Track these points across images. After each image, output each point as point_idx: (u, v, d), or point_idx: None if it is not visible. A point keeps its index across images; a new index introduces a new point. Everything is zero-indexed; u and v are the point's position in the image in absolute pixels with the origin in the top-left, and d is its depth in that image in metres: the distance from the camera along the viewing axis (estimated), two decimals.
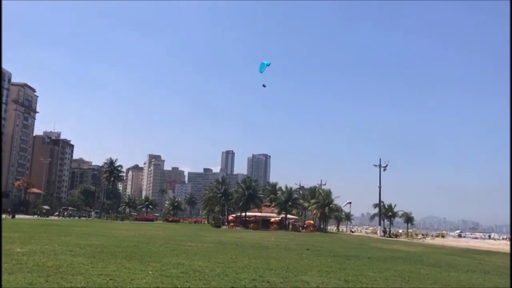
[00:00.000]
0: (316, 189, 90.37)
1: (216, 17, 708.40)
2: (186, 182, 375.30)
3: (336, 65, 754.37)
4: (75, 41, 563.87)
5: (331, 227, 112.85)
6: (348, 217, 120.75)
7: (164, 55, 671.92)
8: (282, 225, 75.32)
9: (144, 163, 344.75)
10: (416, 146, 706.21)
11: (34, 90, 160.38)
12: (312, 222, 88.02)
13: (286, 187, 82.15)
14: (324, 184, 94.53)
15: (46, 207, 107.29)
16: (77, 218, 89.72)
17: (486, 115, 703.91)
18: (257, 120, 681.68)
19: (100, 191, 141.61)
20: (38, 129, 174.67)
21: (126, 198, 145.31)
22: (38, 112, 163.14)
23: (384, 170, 75.53)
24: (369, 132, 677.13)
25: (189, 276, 11.14)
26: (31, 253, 14.55)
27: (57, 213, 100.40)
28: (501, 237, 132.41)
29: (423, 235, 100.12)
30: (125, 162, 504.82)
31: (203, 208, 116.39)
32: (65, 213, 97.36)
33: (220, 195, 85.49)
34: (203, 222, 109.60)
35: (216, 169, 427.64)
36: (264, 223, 74.59)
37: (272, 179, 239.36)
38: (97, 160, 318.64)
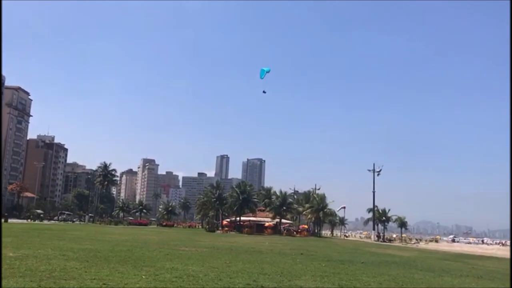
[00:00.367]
0: (311, 194, 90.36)
1: (210, 19, 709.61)
2: (180, 186, 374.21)
3: (331, 69, 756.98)
4: (69, 44, 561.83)
5: (325, 232, 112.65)
6: (342, 221, 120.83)
7: (158, 58, 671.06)
8: (276, 229, 75.18)
9: (138, 167, 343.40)
10: (410, 151, 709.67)
11: (28, 94, 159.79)
12: (306, 226, 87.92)
13: (281, 192, 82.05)
14: (319, 189, 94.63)
15: (39, 211, 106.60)
16: (70, 222, 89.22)
17: (480, 120, 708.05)
18: (252, 124, 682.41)
19: (94, 195, 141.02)
20: (32, 133, 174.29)
21: (120, 203, 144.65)
22: (32, 116, 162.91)
23: (378, 175, 75.91)
24: (363, 137, 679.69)
25: (183, 281, 11.12)
26: (23, 257, 14.46)
27: (56, 217, 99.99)
28: (494, 242, 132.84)
29: (417, 239, 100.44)
30: (119, 166, 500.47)
31: (197, 213, 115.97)
32: (60, 217, 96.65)
33: (215, 199, 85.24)
34: (197, 226, 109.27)
35: (211, 173, 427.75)
36: (259, 228, 74.42)
37: (266, 184, 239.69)
38: (91, 164, 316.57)
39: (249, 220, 77.49)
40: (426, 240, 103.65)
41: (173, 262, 15.56)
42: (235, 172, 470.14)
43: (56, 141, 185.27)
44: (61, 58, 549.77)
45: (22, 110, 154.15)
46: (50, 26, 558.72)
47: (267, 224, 76.98)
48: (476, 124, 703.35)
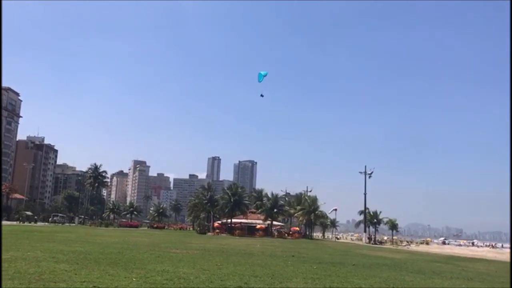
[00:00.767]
0: (302, 196, 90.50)
1: (203, 20, 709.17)
2: (172, 188, 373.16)
3: (322, 72, 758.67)
4: (60, 44, 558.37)
5: (317, 234, 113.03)
6: (333, 223, 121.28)
7: (149, 59, 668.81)
8: (268, 232, 75.24)
9: (129, 169, 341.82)
10: (401, 153, 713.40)
11: (18, 94, 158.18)
12: (297, 228, 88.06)
13: (272, 194, 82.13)
14: (310, 191, 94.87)
15: (28, 213, 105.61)
16: (60, 224, 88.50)
17: (470, 122, 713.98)
18: (244, 126, 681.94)
19: (84, 197, 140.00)
20: (22, 134, 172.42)
21: (111, 204, 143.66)
22: (21, 117, 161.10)
23: (370, 177, 76.34)
24: (355, 140, 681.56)
25: (173, 283, 11.08)
26: (12, 260, 14.31)
27: (50, 219, 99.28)
28: (484, 244, 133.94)
29: (407, 242, 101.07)
30: (109, 167, 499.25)
31: (188, 215, 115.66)
32: (49, 219, 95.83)
33: (206, 201, 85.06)
34: (188, 228, 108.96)
35: (202, 175, 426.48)
36: (250, 230, 74.42)
37: (258, 186, 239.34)
38: (81, 165, 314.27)
39: (241, 222, 77.47)
40: (416, 242, 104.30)
41: (164, 265, 15.50)
42: (227, 174, 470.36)
43: (46, 142, 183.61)
44: (51, 58, 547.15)
45: (12, 111, 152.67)
46: (40, 26, 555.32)
47: (258, 226, 77.03)
48: (466, 127, 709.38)
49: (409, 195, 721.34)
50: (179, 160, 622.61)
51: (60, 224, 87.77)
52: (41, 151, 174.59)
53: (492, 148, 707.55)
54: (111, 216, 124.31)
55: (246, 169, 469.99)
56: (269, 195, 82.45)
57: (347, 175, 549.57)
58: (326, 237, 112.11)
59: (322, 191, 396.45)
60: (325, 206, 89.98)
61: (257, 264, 18.31)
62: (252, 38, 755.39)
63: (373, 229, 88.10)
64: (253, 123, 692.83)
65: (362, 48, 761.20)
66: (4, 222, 73.92)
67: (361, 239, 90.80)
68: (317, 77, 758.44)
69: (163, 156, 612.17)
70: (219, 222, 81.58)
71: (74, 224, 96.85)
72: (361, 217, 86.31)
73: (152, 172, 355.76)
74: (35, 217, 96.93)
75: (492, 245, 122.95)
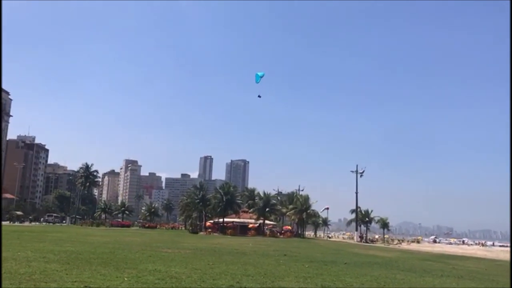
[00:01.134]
0: (294, 195, 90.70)
1: (195, 20, 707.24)
2: (163, 187, 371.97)
3: (315, 73, 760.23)
4: (51, 43, 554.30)
5: (309, 233, 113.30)
6: (325, 222, 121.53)
7: (140, 59, 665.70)
8: (260, 231, 75.27)
9: (121, 168, 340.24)
10: (393, 153, 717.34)
11: (8, 93, 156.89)
12: (290, 227, 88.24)
13: (264, 193, 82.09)
14: (302, 190, 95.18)
15: (19, 212, 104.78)
16: (51, 224, 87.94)
17: (462, 122, 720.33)
18: (236, 125, 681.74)
19: (75, 197, 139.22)
20: (12, 133, 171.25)
21: (102, 204, 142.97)
22: (12, 116, 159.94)
23: (361, 176, 76.78)
24: (346, 139, 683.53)
25: (165, 283, 11.06)
26: (2, 260, 14.20)
27: (42, 219, 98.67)
28: (474, 242, 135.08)
29: (399, 240, 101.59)
30: (101, 167, 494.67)
31: (180, 214, 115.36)
32: (48, 218, 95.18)
33: (198, 201, 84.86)
34: (180, 228, 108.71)
35: (194, 174, 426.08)
36: (242, 229, 74.40)
37: (250, 185, 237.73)
38: (73, 165, 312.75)
39: (233, 222, 77.42)
40: (408, 241, 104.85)
41: (155, 264, 15.46)
42: (219, 173, 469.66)
43: (36, 141, 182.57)
44: (41, 58, 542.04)
45: (2, 110, 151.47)
46: (29, 26, 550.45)
47: (250, 225, 77.05)
48: (458, 126, 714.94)
49: (400, 194, 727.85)
50: (171, 160, 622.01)
51: (51, 224, 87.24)
52: (32, 150, 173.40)
53: (483, 148, 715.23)
54: (103, 215, 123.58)
55: (238, 169, 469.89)
56: (261, 194, 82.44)
57: (339, 174, 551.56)
58: (318, 236, 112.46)
59: (314, 190, 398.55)
60: (317, 205, 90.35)
61: (249, 263, 18.33)
62: (245, 37, 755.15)
63: (365, 228, 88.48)
64: (245, 122, 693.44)
65: (360, 48, 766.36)
66: None
67: (352, 238, 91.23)
68: (309, 76, 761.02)
69: (155, 156, 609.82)
70: (211, 221, 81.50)
71: (65, 224, 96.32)
72: (353, 216, 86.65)
73: (144, 172, 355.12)
74: (30, 217, 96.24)
75: (482, 243, 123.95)
